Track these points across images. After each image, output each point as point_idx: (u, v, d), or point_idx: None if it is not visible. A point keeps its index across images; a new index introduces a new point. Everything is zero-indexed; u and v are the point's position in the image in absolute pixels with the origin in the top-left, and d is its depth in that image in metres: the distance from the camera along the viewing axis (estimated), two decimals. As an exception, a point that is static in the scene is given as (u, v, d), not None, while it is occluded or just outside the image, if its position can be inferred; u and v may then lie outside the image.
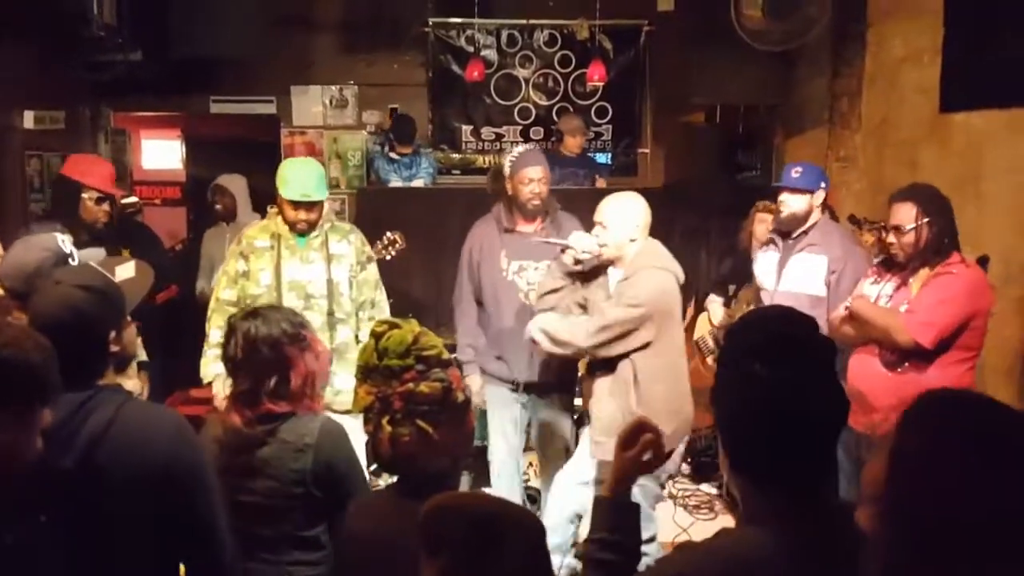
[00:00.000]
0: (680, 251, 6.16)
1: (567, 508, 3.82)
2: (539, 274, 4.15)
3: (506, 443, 4.33)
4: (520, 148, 4.47)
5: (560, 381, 4.33)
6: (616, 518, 1.83)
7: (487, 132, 7.63)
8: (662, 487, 4.21)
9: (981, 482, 1.16)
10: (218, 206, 5.84)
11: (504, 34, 7.52)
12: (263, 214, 5.34)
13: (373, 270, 4.21)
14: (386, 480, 3.63)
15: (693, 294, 6.17)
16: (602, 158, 7.62)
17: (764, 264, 4.38)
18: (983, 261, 4.07)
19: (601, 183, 6.81)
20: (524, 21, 7.49)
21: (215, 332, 3.95)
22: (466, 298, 4.36)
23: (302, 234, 4.02)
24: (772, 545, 1.50)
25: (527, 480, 4.93)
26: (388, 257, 4.53)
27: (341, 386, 3.81)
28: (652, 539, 3.79)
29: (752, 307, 5.05)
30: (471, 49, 7.38)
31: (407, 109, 7.26)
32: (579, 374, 4.43)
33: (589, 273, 3.76)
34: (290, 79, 7.42)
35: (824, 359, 1.63)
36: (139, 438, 1.99)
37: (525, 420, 4.38)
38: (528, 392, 4.29)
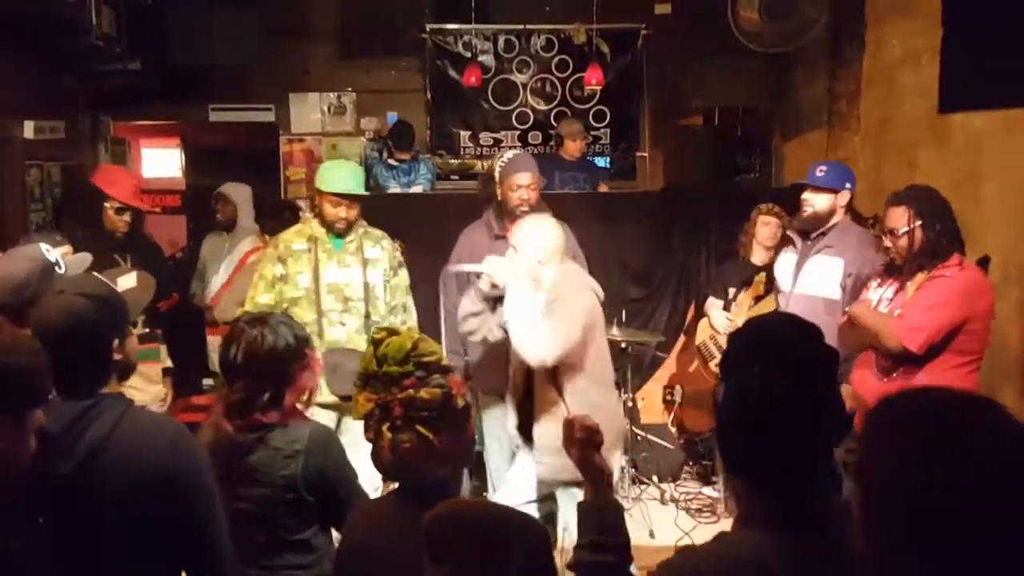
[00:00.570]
0: (679, 254, 6.24)
1: None
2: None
3: (500, 447, 4.32)
4: (511, 153, 4.46)
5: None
6: (603, 519, 1.86)
7: (485, 137, 7.64)
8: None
9: (920, 465, 1.17)
10: (219, 215, 5.84)
11: (501, 39, 7.53)
12: (265, 221, 5.36)
13: (404, 275, 4.30)
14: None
15: (693, 297, 6.18)
16: (601, 162, 7.62)
17: (783, 265, 4.31)
18: (984, 262, 4.07)
19: (603, 188, 6.82)
20: (521, 26, 7.50)
21: None
22: (451, 307, 4.35)
23: (339, 236, 4.09)
24: (770, 548, 1.51)
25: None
26: None
27: None
28: None
29: (752, 310, 5.05)
30: (468, 54, 7.39)
31: (405, 115, 7.26)
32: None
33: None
34: (288, 87, 7.44)
35: (824, 366, 1.64)
36: (139, 446, 1.99)
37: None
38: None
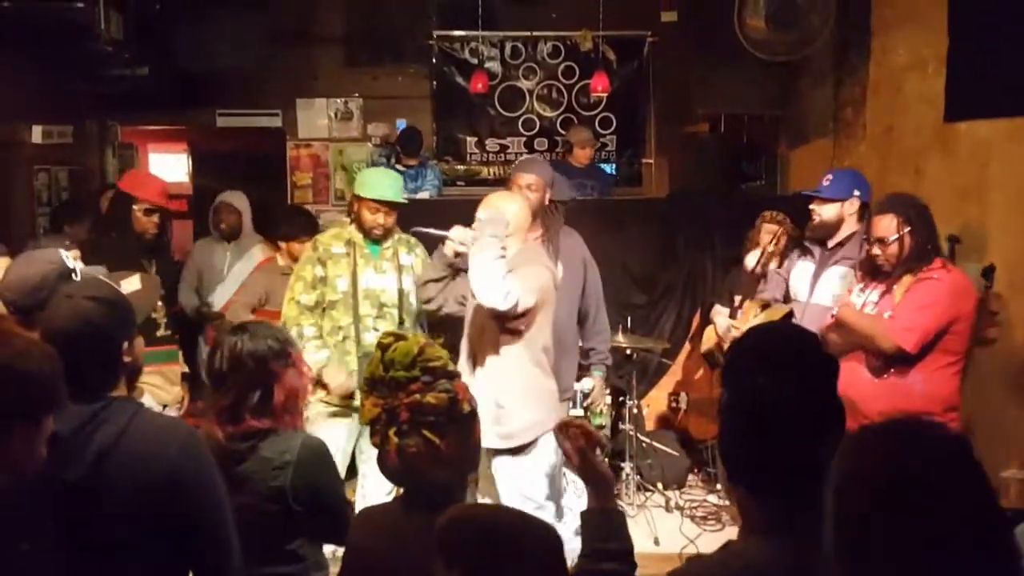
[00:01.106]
0: (684, 261, 6.24)
1: None
2: None
3: None
4: (528, 157, 4.51)
5: (561, 384, 4.30)
6: (606, 527, 1.86)
7: (492, 143, 7.65)
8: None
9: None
10: (223, 224, 5.68)
11: (508, 46, 7.55)
12: (277, 226, 5.33)
13: None
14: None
15: (699, 304, 6.18)
16: (606, 169, 7.63)
17: (798, 276, 4.25)
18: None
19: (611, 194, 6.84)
20: (528, 33, 7.52)
21: (308, 329, 4.05)
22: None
23: (376, 242, 4.15)
24: (775, 555, 1.51)
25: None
26: None
27: None
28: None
29: (758, 318, 5.04)
30: (475, 61, 7.41)
31: (412, 121, 7.28)
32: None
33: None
34: (295, 92, 7.46)
35: (825, 373, 1.65)
36: (148, 449, 2.00)
37: None
38: None
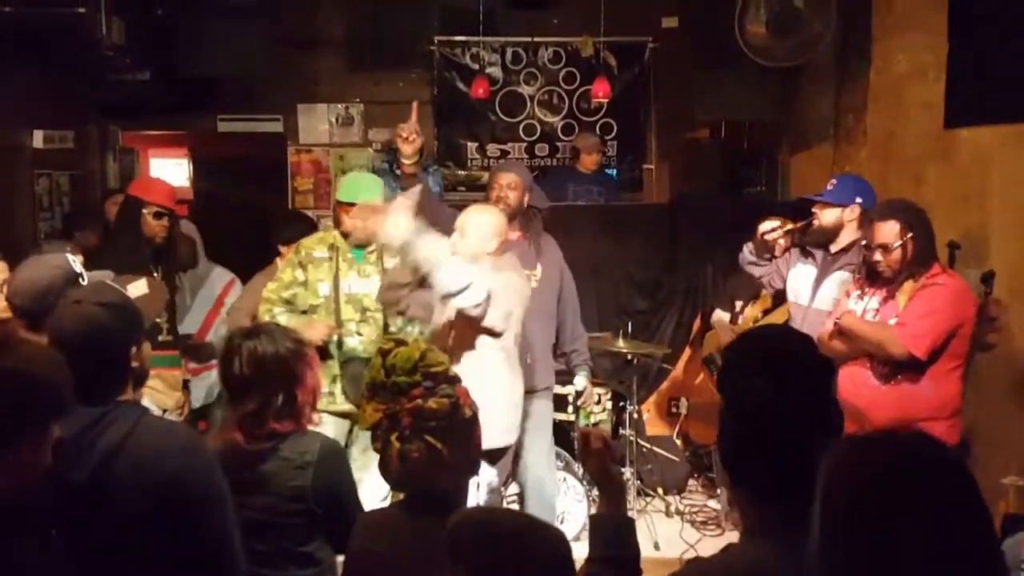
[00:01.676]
0: (685, 266, 6.24)
1: None
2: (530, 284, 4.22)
3: None
4: (509, 159, 4.55)
5: (542, 381, 4.33)
6: (616, 532, 1.86)
7: (492, 149, 7.66)
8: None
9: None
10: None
11: (509, 52, 7.56)
12: (280, 231, 5.27)
13: None
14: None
15: (700, 310, 6.18)
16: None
17: (799, 278, 4.21)
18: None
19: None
20: (529, 39, 7.53)
21: (278, 310, 4.02)
22: None
23: (359, 247, 4.11)
24: (775, 557, 1.51)
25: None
26: None
27: None
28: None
29: (759, 323, 5.04)
30: (476, 67, 7.42)
31: (412, 126, 7.28)
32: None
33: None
34: (296, 97, 7.47)
35: (820, 376, 1.66)
36: (152, 452, 2.01)
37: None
38: None
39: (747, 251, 4.40)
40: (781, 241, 4.29)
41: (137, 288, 2.45)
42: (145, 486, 1.97)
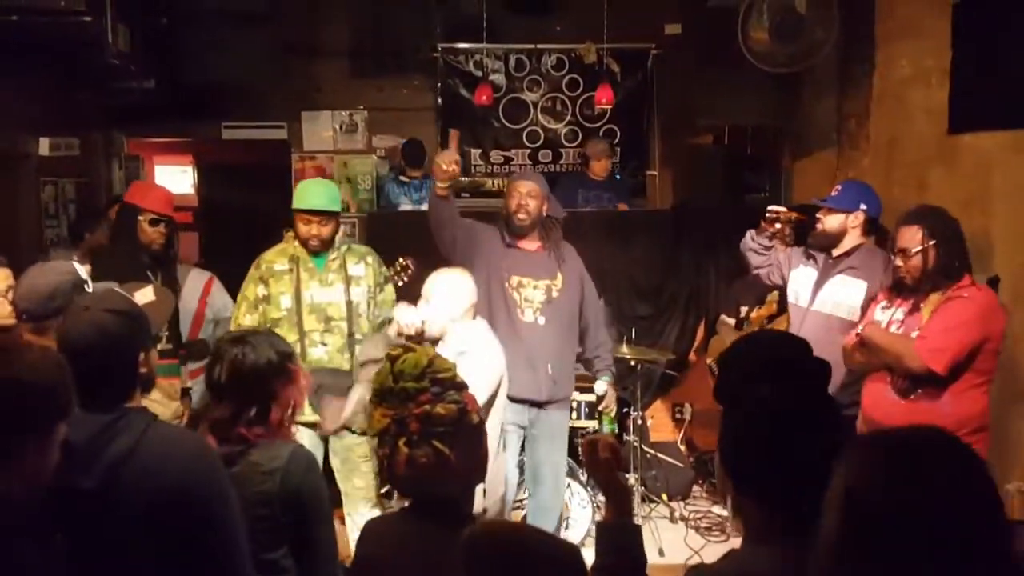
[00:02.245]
0: (688, 272, 6.25)
1: None
2: (538, 292, 4.24)
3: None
4: (526, 168, 4.55)
5: (553, 395, 4.31)
6: (623, 540, 1.86)
7: (496, 155, 7.67)
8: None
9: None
10: None
11: (512, 59, 7.57)
12: (272, 239, 5.27)
13: (390, 290, 4.29)
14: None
15: (704, 315, 6.19)
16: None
17: (799, 280, 4.21)
18: (993, 282, 4.07)
19: (622, 206, 6.85)
20: (532, 46, 7.54)
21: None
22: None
23: (318, 255, 4.08)
24: (778, 563, 1.52)
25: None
26: (401, 283, 4.54)
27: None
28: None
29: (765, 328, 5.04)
30: (479, 74, 7.43)
31: (416, 133, 7.30)
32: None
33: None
34: (300, 105, 7.48)
35: (816, 380, 1.67)
36: (161, 460, 2.02)
37: (521, 433, 4.36)
38: (522, 404, 4.25)
39: (749, 237, 4.40)
40: (777, 224, 4.31)
41: (144, 295, 2.47)
42: (154, 492, 1.97)
